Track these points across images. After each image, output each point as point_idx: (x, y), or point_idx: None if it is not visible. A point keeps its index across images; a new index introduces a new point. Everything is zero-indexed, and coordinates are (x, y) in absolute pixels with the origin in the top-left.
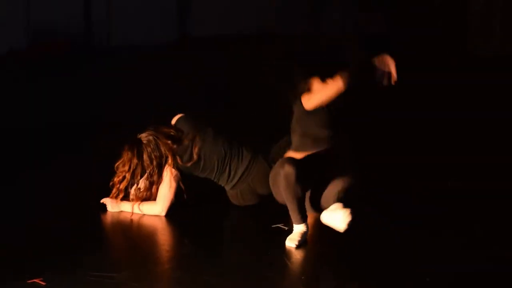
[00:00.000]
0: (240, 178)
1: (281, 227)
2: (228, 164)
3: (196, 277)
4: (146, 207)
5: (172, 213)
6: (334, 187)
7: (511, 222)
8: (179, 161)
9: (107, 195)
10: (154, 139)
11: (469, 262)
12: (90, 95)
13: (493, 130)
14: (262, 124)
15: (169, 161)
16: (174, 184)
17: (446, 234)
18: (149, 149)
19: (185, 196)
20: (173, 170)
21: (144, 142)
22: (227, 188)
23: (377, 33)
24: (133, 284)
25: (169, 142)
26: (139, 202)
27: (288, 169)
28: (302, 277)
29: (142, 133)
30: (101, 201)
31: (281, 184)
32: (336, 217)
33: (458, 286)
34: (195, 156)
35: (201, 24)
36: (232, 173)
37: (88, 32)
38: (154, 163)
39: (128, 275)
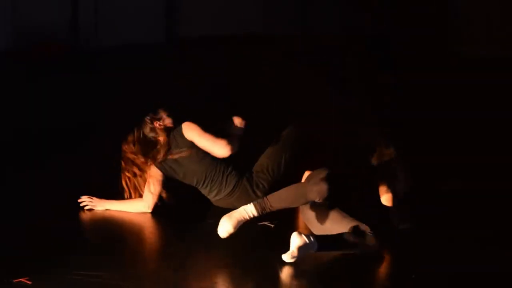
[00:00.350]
0: (220, 198)
1: (267, 225)
2: (209, 186)
3: (183, 275)
4: (129, 204)
5: (159, 212)
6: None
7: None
8: (162, 155)
9: (105, 195)
10: (153, 122)
11: (469, 262)
12: (83, 96)
13: (489, 129)
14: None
15: (157, 155)
16: (156, 181)
17: (446, 234)
18: (147, 129)
19: (164, 196)
20: (155, 168)
21: (147, 121)
22: (209, 197)
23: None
24: (119, 283)
25: (165, 133)
26: (122, 199)
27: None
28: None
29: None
30: (81, 199)
31: (310, 196)
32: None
33: (459, 286)
34: (176, 157)
35: (189, 24)
36: (213, 194)
37: (75, 33)
38: (145, 146)
39: (114, 274)
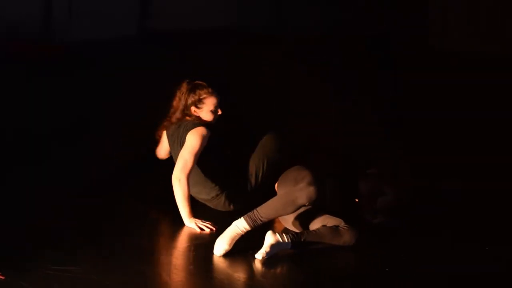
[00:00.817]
0: (198, 197)
1: None
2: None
3: (155, 270)
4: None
5: (135, 207)
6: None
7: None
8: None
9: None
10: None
11: (469, 262)
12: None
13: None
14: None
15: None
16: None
17: (446, 234)
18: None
19: None
20: (204, 129)
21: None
22: None
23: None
24: (91, 276)
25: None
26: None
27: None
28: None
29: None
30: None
31: (299, 201)
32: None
33: (458, 286)
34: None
35: (162, 18)
36: (192, 189)
37: (48, 30)
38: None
39: (86, 268)
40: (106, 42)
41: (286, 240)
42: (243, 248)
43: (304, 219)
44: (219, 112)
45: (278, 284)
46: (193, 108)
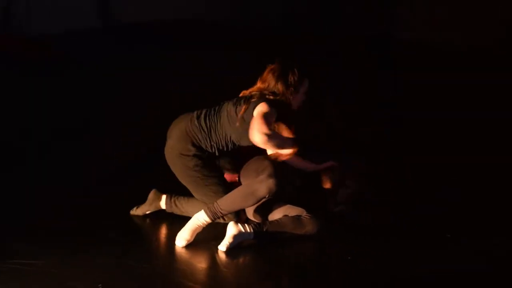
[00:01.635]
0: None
1: None
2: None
3: (120, 262)
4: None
5: (101, 202)
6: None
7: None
8: None
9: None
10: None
11: (468, 262)
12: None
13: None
14: None
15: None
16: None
17: (446, 234)
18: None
19: None
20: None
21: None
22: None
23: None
24: (52, 270)
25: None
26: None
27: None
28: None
29: None
30: None
31: (259, 193)
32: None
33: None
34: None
35: (125, 10)
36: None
37: (7, 23)
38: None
39: (49, 262)
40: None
41: (249, 231)
42: (206, 238)
43: (266, 209)
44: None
45: (241, 274)
46: (291, 90)
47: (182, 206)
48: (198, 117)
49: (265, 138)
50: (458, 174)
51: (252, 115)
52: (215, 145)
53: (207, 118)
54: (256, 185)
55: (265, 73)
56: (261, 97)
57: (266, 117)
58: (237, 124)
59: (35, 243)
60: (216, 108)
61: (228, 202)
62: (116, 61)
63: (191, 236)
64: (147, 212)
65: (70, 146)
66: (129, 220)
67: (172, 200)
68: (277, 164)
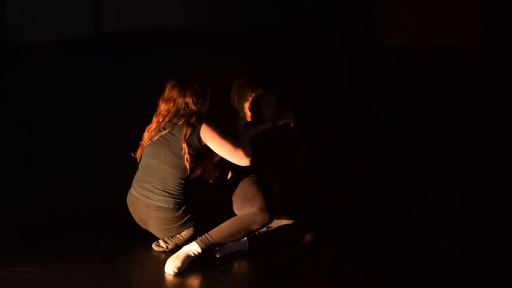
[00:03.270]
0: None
1: None
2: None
3: (114, 270)
4: None
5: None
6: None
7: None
8: None
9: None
10: None
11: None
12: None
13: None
14: None
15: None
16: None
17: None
18: None
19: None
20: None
21: None
22: None
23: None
24: (44, 278)
25: None
26: None
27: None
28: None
29: None
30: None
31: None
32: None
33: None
34: None
35: (115, 19)
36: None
37: (2, 31)
38: None
39: (41, 269)
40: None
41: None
42: None
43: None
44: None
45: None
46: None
47: None
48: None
49: (246, 152)
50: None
51: (199, 143)
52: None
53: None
54: (249, 219)
55: (166, 92)
56: (197, 120)
57: (223, 133)
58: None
59: (27, 250)
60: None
61: (222, 234)
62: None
63: (183, 264)
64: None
65: (70, 145)
66: (123, 227)
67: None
68: (264, 190)
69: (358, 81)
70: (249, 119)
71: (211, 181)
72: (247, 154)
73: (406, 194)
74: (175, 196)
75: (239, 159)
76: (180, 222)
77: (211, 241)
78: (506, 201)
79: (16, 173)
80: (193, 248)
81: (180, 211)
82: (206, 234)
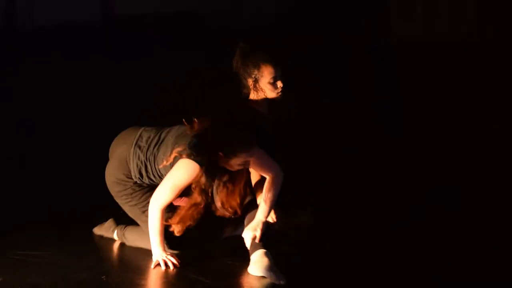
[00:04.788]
0: None
1: None
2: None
3: (123, 254)
4: None
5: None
6: None
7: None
8: None
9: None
10: None
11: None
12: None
13: None
14: None
15: None
16: None
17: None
18: None
19: None
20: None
21: None
22: None
23: None
24: (55, 262)
25: None
26: None
27: None
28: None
29: None
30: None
31: None
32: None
33: None
34: None
35: (124, 2)
36: None
37: (11, 14)
38: None
39: (51, 253)
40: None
41: None
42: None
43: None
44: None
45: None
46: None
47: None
48: (139, 146)
49: None
50: None
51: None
52: (149, 181)
53: (147, 150)
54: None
55: None
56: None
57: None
58: None
59: (37, 234)
60: (159, 137)
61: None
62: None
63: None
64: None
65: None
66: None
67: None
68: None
69: (358, 81)
70: (252, 95)
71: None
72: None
73: (406, 194)
74: None
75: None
76: None
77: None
78: (506, 201)
79: (16, 173)
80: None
81: None
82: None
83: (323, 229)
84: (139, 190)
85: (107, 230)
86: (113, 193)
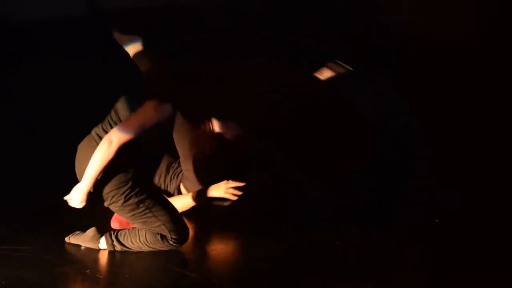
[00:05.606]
0: None
1: None
2: None
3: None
4: None
5: None
6: None
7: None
8: None
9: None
10: None
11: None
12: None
13: None
14: None
15: None
16: None
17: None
18: None
19: None
20: None
21: None
22: None
23: None
24: (41, 256)
25: None
26: None
27: None
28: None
29: None
30: None
31: None
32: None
33: None
34: None
35: None
36: None
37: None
38: None
39: (37, 248)
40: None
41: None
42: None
43: None
44: None
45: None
46: None
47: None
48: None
49: None
50: None
51: None
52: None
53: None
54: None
55: None
56: None
57: None
58: None
59: (23, 229)
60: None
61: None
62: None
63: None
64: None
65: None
66: None
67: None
68: None
69: (358, 81)
70: None
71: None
72: None
73: (406, 194)
74: None
75: None
76: None
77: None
78: (506, 201)
79: (16, 173)
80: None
81: None
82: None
83: (322, 229)
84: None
85: (90, 239)
86: (120, 211)
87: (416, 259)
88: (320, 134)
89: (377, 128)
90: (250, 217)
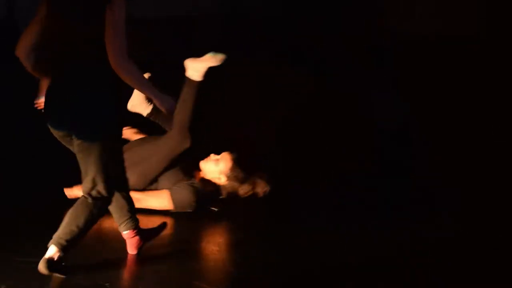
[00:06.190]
0: None
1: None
2: None
3: (126, 258)
4: None
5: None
6: None
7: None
8: None
9: None
10: None
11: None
12: None
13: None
14: None
15: None
16: None
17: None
18: None
19: None
20: None
21: None
22: None
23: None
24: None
25: None
26: None
27: None
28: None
29: None
30: None
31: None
32: None
33: None
34: None
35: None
36: None
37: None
38: None
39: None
40: None
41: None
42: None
43: None
44: None
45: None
46: None
47: None
48: None
49: None
50: None
51: None
52: None
53: None
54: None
55: None
56: None
57: None
58: None
59: (36, 240)
60: None
61: None
62: None
63: None
64: None
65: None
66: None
67: None
68: None
69: (358, 81)
70: None
71: None
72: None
73: (406, 194)
74: None
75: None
76: None
77: None
78: (506, 201)
79: (16, 173)
80: None
81: None
82: None
83: (322, 227)
84: None
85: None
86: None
87: (417, 259)
88: (320, 134)
89: (377, 128)
90: (249, 217)
